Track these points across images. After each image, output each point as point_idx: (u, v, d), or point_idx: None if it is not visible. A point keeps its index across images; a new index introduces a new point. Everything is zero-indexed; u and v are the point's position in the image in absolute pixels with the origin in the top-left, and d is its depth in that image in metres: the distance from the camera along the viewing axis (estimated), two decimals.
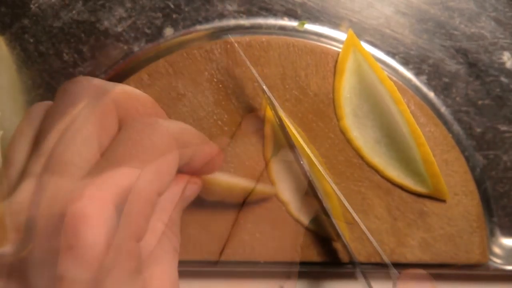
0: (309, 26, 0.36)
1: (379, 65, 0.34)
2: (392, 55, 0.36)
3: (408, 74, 0.36)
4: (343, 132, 0.34)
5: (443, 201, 0.33)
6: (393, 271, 0.35)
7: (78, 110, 0.24)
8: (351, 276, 0.36)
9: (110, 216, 0.21)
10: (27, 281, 0.21)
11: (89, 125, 0.23)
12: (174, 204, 0.28)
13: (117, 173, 0.22)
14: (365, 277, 0.28)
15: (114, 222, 0.21)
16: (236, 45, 0.34)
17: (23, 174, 0.23)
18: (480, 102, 0.36)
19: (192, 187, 0.29)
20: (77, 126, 0.23)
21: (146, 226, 0.23)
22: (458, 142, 0.35)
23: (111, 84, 0.25)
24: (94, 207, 0.21)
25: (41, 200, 0.22)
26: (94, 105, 0.24)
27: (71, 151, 0.23)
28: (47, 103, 0.26)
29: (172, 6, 0.36)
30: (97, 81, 0.25)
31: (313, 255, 0.34)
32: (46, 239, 0.21)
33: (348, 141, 0.34)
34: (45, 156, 0.23)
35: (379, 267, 0.34)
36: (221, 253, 0.33)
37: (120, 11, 0.36)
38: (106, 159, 0.23)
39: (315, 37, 0.36)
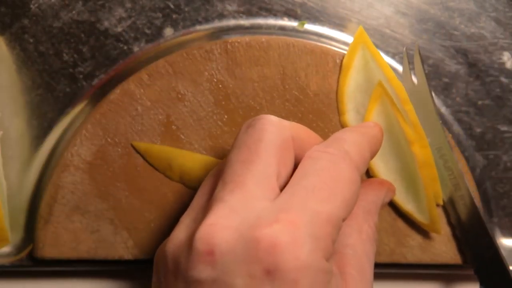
0: (309, 26, 0.36)
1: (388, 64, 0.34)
2: (392, 55, 0.36)
3: None
4: (343, 128, 0.34)
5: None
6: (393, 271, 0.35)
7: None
8: None
9: (305, 241, 0.21)
10: None
11: (269, 158, 0.24)
12: (378, 207, 0.30)
13: (310, 200, 0.23)
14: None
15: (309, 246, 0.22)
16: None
17: (211, 199, 0.24)
18: (480, 102, 0.36)
19: (390, 194, 0.32)
20: (261, 157, 0.24)
21: (333, 248, 0.23)
22: (458, 142, 0.35)
23: (285, 122, 0.27)
24: (290, 235, 0.21)
25: (229, 225, 0.22)
26: (274, 135, 0.25)
27: (254, 183, 0.23)
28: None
29: (172, 6, 0.36)
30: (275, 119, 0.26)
31: None
32: (243, 264, 0.21)
33: None
34: (231, 184, 0.24)
35: (379, 267, 0.34)
36: None
37: (120, 11, 0.36)
38: (294, 188, 0.23)
39: (315, 37, 0.36)
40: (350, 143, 0.26)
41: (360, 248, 0.27)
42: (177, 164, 0.33)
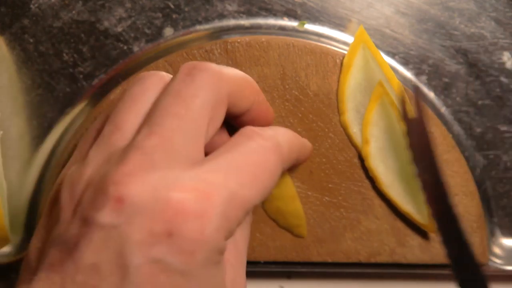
0: (309, 26, 0.36)
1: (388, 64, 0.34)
2: (392, 55, 0.36)
3: (408, 74, 0.36)
4: (343, 127, 0.34)
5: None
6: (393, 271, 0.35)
7: (200, 98, 0.24)
8: (351, 276, 0.36)
9: (214, 218, 0.21)
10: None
11: (201, 119, 0.24)
12: None
13: (231, 180, 0.23)
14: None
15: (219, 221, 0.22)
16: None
17: (131, 143, 0.23)
18: (480, 102, 0.36)
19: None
20: (194, 116, 0.24)
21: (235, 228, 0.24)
22: (458, 142, 0.35)
23: (225, 70, 0.26)
24: (202, 205, 0.21)
25: (146, 179, 0.22)
26: (211, 94, 0.24)
27: (182, 141, 0.23)
28: (164, 75, 0.26)
29: (172, 6, 0.36)
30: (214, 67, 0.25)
31: (313, 255, 0.34)
32: (147, 219, 0.21)
33: (348, 137, 0.34)
34: (156, 136, 0.23)
35: (379, 267, 0.34)
36: None
37: (120, 11, 0.36)
38: (220, 160, 0.23)
39: (315, 37, 0.36)
40: (285, 138, 0.26)
41: (240, 235, 0.27)
42: None
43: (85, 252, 0.21)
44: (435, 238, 0.34)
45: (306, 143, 0.31)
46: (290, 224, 0.33)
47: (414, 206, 0.33)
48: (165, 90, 0.24)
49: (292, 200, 0.33)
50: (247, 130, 0.25)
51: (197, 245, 0.21)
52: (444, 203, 0.27)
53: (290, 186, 0.33)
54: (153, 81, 0.25)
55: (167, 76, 0.26)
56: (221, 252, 0.22)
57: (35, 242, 0.24)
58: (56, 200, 0.24)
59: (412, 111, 0.33)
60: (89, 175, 0.23)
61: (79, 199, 0.22)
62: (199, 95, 0.24)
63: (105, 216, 0.21)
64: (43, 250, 0.23)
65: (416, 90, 0.30)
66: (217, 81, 0.25)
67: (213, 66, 0.25)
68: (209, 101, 0.24)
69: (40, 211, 0.33)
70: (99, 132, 0.26)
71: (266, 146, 0.25)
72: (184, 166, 0.22)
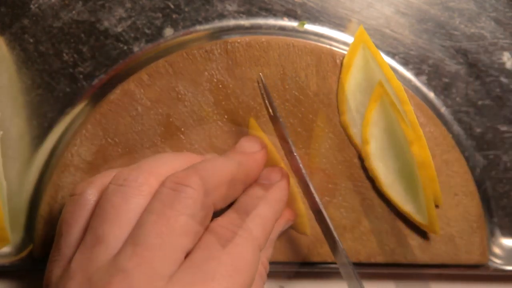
0: (309, 26, 0.36)
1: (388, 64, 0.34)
2: (392, 55, 0.36)
3: (408, 74, 0.36)
4: (343, 127, 0.34)
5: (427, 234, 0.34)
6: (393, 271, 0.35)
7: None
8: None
9: None
10: None
11: (184, 235, 0.25)
12: (274, 241, 0.32)
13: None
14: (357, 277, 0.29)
15: None
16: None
17: (114, 264, 0.24)
18: (480, 102, 0.36)
19: (289, 223, 0.33)
20: (176, 234, 0.24)
21: None
22: (458, 142, 0.35)
23: (208, 171, 0.26)
24: None
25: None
26: (195, 210, 0.25)
27: (161, 260, 0.24)
28: (101, 181, 0.27)
29: (172, 6, 0.36)
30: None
31: (313, 255, 0.34)
32: None
33: (348, 137, 0.34)
34: (138, 257, 0.24)
35: (379, 267, 0.34)
36: None
37: (120, 11, 0.36)
38: (195, 271, 0.24)
39: (315, 37, 0.36)
40: (256, 219, 0.27)
41: None
42: None
43: None
44: (435, 238, 0.34)
45: (278, 199, 0.30)
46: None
47: (414, 206, 0.33)
48: (150, 206, 0.25)
49: (293, 199, 0.33)
50: (216, 226, 0.26)
51: None
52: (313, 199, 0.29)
53: (290, 186, 0.33)
54: (135, 190, 0.26)
55: (146, 184, 0.26)
56: None
57: None
58: None
59: (411, 111, 0.33)
60: None
61: None
62: (183, 214, 0.25)
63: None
64: None
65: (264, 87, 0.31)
66: (203, 196, 0.25)
67: (197, 179, 0.26)
68: (194, 218, 0.25)
69: (40, 211, 0.33)
70: (80, 228, 0.26)
71: (238, 241, 0.25)
72: (162, 286, 0.23)
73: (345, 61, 0.34)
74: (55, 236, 0.27)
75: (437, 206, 0.33)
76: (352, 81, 0.34)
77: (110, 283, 0.23)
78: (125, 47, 0.36)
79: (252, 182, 0.30)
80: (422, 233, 0.34)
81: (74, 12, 0.36)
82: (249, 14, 0.36)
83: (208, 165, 0.27)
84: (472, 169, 0.35)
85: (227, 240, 0.25)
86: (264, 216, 0.28)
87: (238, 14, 0.36)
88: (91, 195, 0.27)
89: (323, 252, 0.34)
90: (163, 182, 0.26)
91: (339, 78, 0.34)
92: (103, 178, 0.27)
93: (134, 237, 0.24)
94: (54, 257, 0.26)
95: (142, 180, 0.26)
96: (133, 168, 0.26)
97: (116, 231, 0.25)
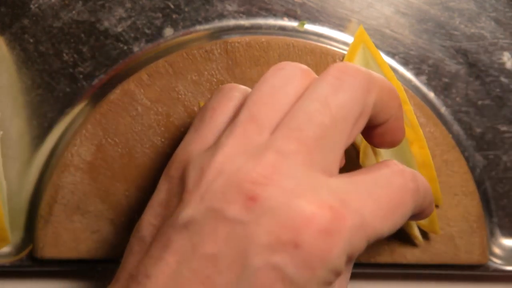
0: (309, 26, 0.36)
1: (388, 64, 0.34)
2: (392, 55, 0.36)
3: (408, 74, 0.36)
4: None
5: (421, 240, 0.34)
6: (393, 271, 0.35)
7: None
8: (351, 276, 0.36)
9: (341, 245, 0.21)
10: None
11: (344, 131, 0.23)
12: None
13: (373, 214, 0.22)
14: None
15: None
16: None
17: (269, 143, 0.22)
18: (480, 102, 0.36)
19: None
20: (337, 128, 0.23)
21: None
22: (458, 142, 0.35)
23: (375, 77, 0.24)
24: (336, 225, 0.21)
25: (283, 184, 0.21)
26: (358, 104, 0.23)
27: (321, 151, 0.22)
28: (305, 69, 0.25)
29: (172, 6, 0.36)
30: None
31: None
32: (277, 224, 0.21)
33: None
34: (297, 142, 0.22)
35: (379, 267, 0.34)
36: None
37: (120, 11, 0.36)
38: (360, 183, 0.23)
39: (315, 38, 0.36)
40: (424, 186, 0.25)
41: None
42: None
43: (207, 242, 0.21)
44: (435, 238, 0.34)
45: (433, 199, 0.28)
46: None
47: None
48: (311, 91, 0.23)
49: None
50: (392, 163, 0.24)
51: (320, 263, 0.20)
52: None
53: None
54: (296, 73, 0.24)
55: (308, 70, 0.25)
56: (337, 275, 0.22)
57: (149, 218, 0.24)
58: (179, 180, 0.23)
59: (411, 111, 0.33)
60: (221, 163, 0.22)
61: (208, 186, 0.22)
62: (347, 106, 0.23)
63: (235, 211, 0.21)
64: (161, 229, 0.23)
65: None
66: (367, 91, 0.24)
67: (364, 72, 0.24)
68: (355, 112, 0.23)
69: (40, 211, 0.33)
70: (227, 116, 0.25)
71: (409, 187, 0.24)
72: (322, 178, 0.22)
73: (344, 61, 0.34)
74: (193, 124, 0.26)
75: (437, 206, 0.33)
76: None
77: (268, 159, 0.21)
78: (125, 47, 0.36)
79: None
80: (422, 233, 0.34)
81: (74, 12, 0.36)
82: (249, 14, 0.36)
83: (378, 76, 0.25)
84: (472, 169, 0.35)
85: (397, 175, 0.24)
86: (428, 188, 0.26)
87: (238, 14, 0.36)
88: (238, 94, 0.25)
89: None
90: (327, 70, 0.24)
91: None
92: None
93: (292, 121, 0.22)
94: (192, 140, 0.25)
95: (304, 68, 0.24)
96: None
97: (270, 113, 0.23)
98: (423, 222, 0.33)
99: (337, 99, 0.23)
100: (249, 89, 0.26)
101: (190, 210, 0.22)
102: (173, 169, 0.24)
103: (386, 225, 0.23)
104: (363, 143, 0.33)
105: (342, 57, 0.34)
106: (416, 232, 0.33)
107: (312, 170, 0.22)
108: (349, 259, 0.22)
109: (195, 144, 0.24)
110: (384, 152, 0.33)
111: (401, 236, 0.34)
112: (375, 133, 0.26)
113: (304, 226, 0.20)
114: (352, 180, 0.23)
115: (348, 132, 0.23)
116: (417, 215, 0.26)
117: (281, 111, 0.23)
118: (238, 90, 0.26)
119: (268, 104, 0.23)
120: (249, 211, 0.21)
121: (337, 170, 0.23)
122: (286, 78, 0.24)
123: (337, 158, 0.23)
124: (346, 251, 0.21)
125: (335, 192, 0.22)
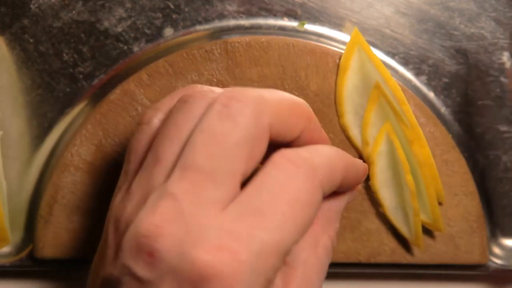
0: (309, 26, 0.36)
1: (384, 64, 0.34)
2: (392, 55, 0.36)
3: (408, 74, 0.36)
4: (343, 130, 0.34)
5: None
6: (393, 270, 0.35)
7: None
8: (351, 276, 0.36)
9: (245, 277, 0.20)
10: None
11: (237, 158, 0.22)
12: (341, 212, 0.28)
13: (258, 228, 0.21)
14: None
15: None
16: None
17: (164, 187, 0.22)
18: (480, 102, 0.36)
19: (355, 192, 0.29)
20: (228, 157, 0.22)
21: (274, 276, 0.22)
22: (458, 142, 0.35)
23: (267, 93, 0.24)
24: (232, 268, 0.20)
25: (174, 233, 0.21)
26: (249, 130, 0.22)
27: (213, 185, 0.22)
28: (209, 97, 0.24)
29: (172, 6, 0.36)
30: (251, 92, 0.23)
31: None
32: (176, 279, 0.21)
33: (348, 139, 0.34)
34: (188, 182, 0.22)
35: (379, 267, 0.34)
36: None
37: (120, 11, 0.36)
38: (246, 206, 0.22)
39: (315, 38, 0.36)
40: (323, 158, 0.24)
41: (312, 264, 0.25)
42: None
43: None
44: (435, 238, 0.34)
45: (356, 162, 0.27)
46: None
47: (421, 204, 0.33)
48: (200, 123, 0.23)
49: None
50: (276, 157, 0.23)
51: None
52: None
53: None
54: (199, 106, 0.24)
55: (212, 99, 0.24)
56: None
57: (92, 267, 0.25)
58: (105, 230, 0.24)
59: (409, 111, 0.33)
60: (128, 214, 0.23)
61: (120, 241, 0.22)
62: (235, 132, 0.22)
63: (142, 270, 0.21)
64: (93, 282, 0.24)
65: None
66: (257, 114, 0.23)
67: (253, 95, 0.23)
68: (247, 138, 0.22)
69: (40, 211, 0.33)
70: (144, 153, 0.25)
71: (296, 175, 0.22)
72: (212, 214, 0.21)
73: (341, 63, 0.34)
74: (123, 166, 0.26)
75: (440, 204, 0.33)
76: (349, 84, 0.34)
77: (160, 207, 0.21)
78: (125, 47, 0.36)
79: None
80: (426, 231, 0.34)
81: (74, 12, 0.36)
82: (249, 14, 0.36)
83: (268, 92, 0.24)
84: (472, 169, 0.35)
85: (279, 168, 0.22)
86: (334, 162, 0.24)
87: (238, 14, 0.36)
88: (157, 123, 0.25)
89: None
90: (216, 97, 0.23)
91: (336, 80, 0.34)
92: (171, 101, 0.25)
93: (184, 159, 0.22)
94: (119, 185, 0.25)
95: (208, 95, 0.24)
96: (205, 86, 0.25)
97: (174, 149, 0.23)
98: (427, 221, 0.33)
99: (224, 127, 0.22)
100: (174, 98, 0.26)
101: (108, 267, 0.23)
102: (108, 214, 0.25)
103: (288, 229, 0.22)
104: (363, 145, 0.33)
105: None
106: (419, 241, 0.33)
107: (203, 208, 0.21)
108: (266, 284, 0.22)
109: (119, 193, 0.25)
110: (384, 153, 0.33)
111: (401, 236, 0.34)
112: (294, 147, 0.25)
113: (199, 277, 0.20)
114: (242, 201, 0.22)
115: (244, 158, 0.22)
116: (347, 185, 0.26)
117: (182, 148, 0.23)
118: (157, 117, 0.25)
119: (171, 142, 0.23)
120: (152, 269, 0.21)
121: (233, 195, 0.22)
122: (189, 112, 0.24)
123: (232, 186, 0.22)
124: (254, 283, 0.21)
125: (225, 228, 0.21)
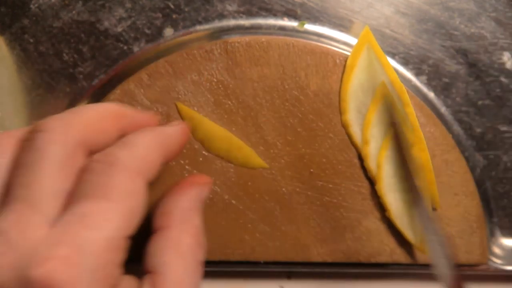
0: (309, 26, 0.36)
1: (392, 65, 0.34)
2: (392, 55, 0.36)
3: (408, 74, 0.36)
4: (344, 126, 0.34)
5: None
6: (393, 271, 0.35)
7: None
8: (351, 276, 0.36)
9: (82, 277, 0.21)
10: None
11: (51, 180, 0.23)
12: (197, 209, 0.28)
13: (82, 229, 0.22)
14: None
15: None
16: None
17: None
18: (480, 102, 0.36)
19: (206, 188, 0.29)
20: (41, 182, 0.23)
21: (118, 272, 0.23)
22: (458, 142, 0.35)
23: (71, 114, 0.25)
24: (67, 273, 0.21)
25: (6, 263, 0.21)
26: (56, 153, 0.24)
27: (33, 211, 0.23)
28: (16, 135, 0.25)
29: (172, 6, 0.36)
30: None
31: (313, 255, 0.34)
32: None
33: (349, 136, 0.34)
34: (11, 213, 0.23)
35: (379, 267, 0.34)
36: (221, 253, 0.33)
37: (120, 11, 0.36)
38: (69, 214, 0.23)
39: (315, 37, 0.36)
40: (132, 147, 0.25)
41: (178, 264, 0.25)
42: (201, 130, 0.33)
43: None
44: None
45: (168, 134, 0.28)
46: (227, 149, 0.33)
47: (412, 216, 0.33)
48: (15, 161, 0.24)
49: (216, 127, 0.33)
50: (88, 162, 0.24)
51: None
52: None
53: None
54: (7, 143, 0.25)
55: (20, 136, 0.25)
56: None
57: None
58: None
59: (413, 114, 0.33)
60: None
61: None
62: (42, 159, 0.23)
63: None
64: None
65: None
66: (60, 136, 0.24)
67: (53, 121, 0.24)
68: (56, 160, 0.23)
69: None
70: None
71: (107, 171, 0.23)
72: (40, 235, 0.22)
73: (348, 61, 0.34)
74: None
75: (435, 209, 0.33)
76: (355, 81, 0.34)
77: None
78: (125, 47, 0.36)
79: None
80: (422, 232, 0.34)
81: (74, 12, 0.36)
82: (249, 14, 0.36)
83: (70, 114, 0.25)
84: (472, 169, 0.35)
85: (94, 173, 0.23)
86: (146, 145, 0.25)
87: (238, 14, 0.36)
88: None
89: (323, 252, 0.34)
90: (22, 134, 0.25)
91: (341, 77, 0.34)
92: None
93: (7, 193, 0.23)
94: None
95: (17, 134, 0.25)
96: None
97: None
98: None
99: (31, 158, 0.24)
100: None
101: None
102: None
103: (111, 222, 0.23)
104: (363, 144, 0.33)
105: (342, 57, 0.34)
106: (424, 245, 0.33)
107: (30, 233, 0.22)
108: (109, 280, 0.22)
109: None
110: (390, 158, 0.33)
111: (401, 236, 0.34)
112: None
113: None
114: (68, 212, 0.23)
115: (60, 177, 0.23)
116: (173, 154, 0.27)
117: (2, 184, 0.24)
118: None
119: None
120: None
121: (58, 211, 0.23)
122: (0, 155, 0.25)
123: (53, 205, 0.23)
124: (95, 280, 0.22)
125: (53, 240, 0.22)
